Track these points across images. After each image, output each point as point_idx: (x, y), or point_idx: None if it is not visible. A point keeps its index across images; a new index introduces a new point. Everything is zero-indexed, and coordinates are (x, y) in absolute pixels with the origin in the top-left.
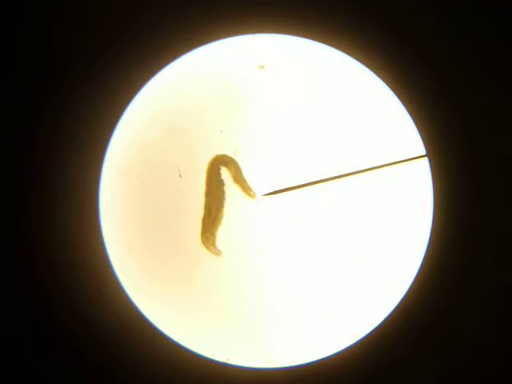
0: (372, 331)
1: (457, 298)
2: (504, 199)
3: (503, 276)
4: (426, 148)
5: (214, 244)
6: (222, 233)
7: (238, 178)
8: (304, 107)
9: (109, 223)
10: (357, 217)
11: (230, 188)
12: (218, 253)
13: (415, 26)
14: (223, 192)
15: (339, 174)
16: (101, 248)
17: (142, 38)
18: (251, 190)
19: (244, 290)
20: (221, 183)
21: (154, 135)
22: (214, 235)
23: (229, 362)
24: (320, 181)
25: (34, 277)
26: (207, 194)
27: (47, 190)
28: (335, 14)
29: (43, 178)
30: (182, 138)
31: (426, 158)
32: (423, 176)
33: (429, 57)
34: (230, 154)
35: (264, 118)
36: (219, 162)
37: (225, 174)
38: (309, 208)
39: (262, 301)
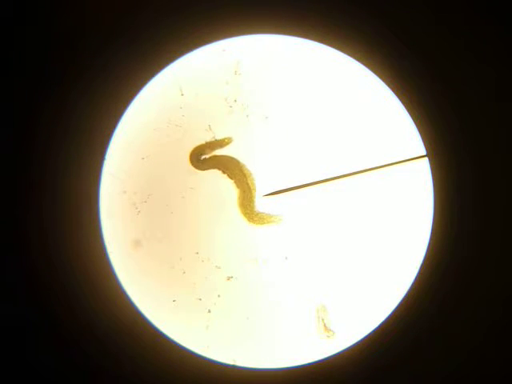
0: (372, 332)
1: (457, 298)
2: (504, 199)
3: (503, 275)
4: (426, 148)
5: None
6: (221, 234)
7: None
8: (304, 107)
9: (109, 223)
10: (357, 217)
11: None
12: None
13: (415, 26)
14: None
15: (339, 174)
16: (101, 248)
17: (142, 38)
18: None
19: (245, 291)
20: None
21: (154, 135)
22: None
23: (236, 363)
24: (320, 181)
25: (34, 277)
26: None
27: (47, 191)
28: (335, 14)
29: (43, 178)
30: (182, 138)
31: (426, 158)
32: (423, 176)
33: (429, 57)
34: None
35: (264, 118)
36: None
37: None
38: (309, 208)
39: (263, 301)
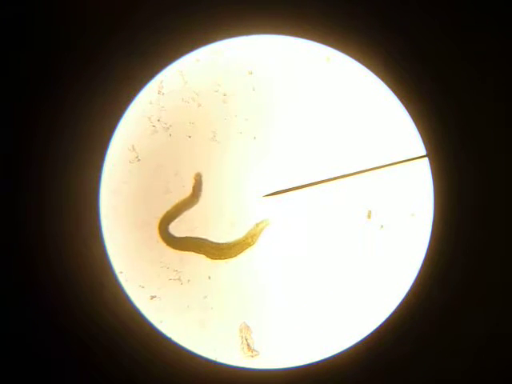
0: (372, 332)
1: (457, 298)
2: (504, 199)
3: (504, 274)
4: (426, 148)
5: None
6: (223, 234)
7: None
8: (304, 108)
9: (109, 224)
10: (357, 217)
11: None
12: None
13: (415, 26)
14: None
15: (340, 174)
16: (101, 248)
17: (140, 38)
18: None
19: (245, 292)
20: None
21: (154, 136)
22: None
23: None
24: (321, 181)
25: (34, 277)
26: None
27: (47, 191)
28: (335, 14)
29: (43, 179)
30: (181, 140)
31: (426, 158)
32: (423, 176)
33: (429, 57)
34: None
35: (265, 119)
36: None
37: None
38: (309, 208)
39: (264, 302)
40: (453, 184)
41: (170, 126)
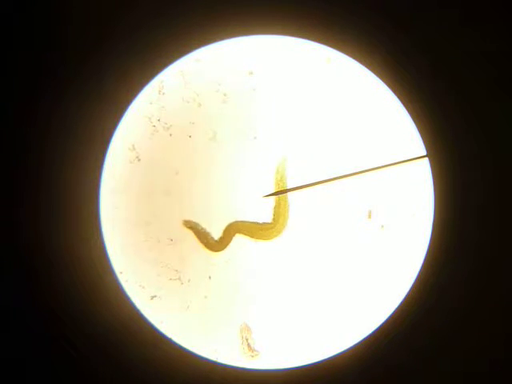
0: (372, 333)
1: (458, 298)
2: (504, 199)
3: (504, 274)
4: (427, 148)
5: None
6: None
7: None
8: (304, 108)
9: (109, 223)
10: (357, 217)
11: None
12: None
13: (415, 26)
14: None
15: (340, 174)
16: (101, 248)
17: (141, 37)
18: None
19: (245, 292)
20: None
21: (153, 136)
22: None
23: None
24: (321, 182)
25: (34, 277)
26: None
27: (47, 191)
28: (335, 14)
29: (42, 179)
30: (181, 140)
31: (426, 159)
32: (424, 176)
33: (429, 57)
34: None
35: (265, 119)
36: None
37: None
38: (309, 208)
39: (264, 302)
40: (453, 184)
41: (171, 125)
